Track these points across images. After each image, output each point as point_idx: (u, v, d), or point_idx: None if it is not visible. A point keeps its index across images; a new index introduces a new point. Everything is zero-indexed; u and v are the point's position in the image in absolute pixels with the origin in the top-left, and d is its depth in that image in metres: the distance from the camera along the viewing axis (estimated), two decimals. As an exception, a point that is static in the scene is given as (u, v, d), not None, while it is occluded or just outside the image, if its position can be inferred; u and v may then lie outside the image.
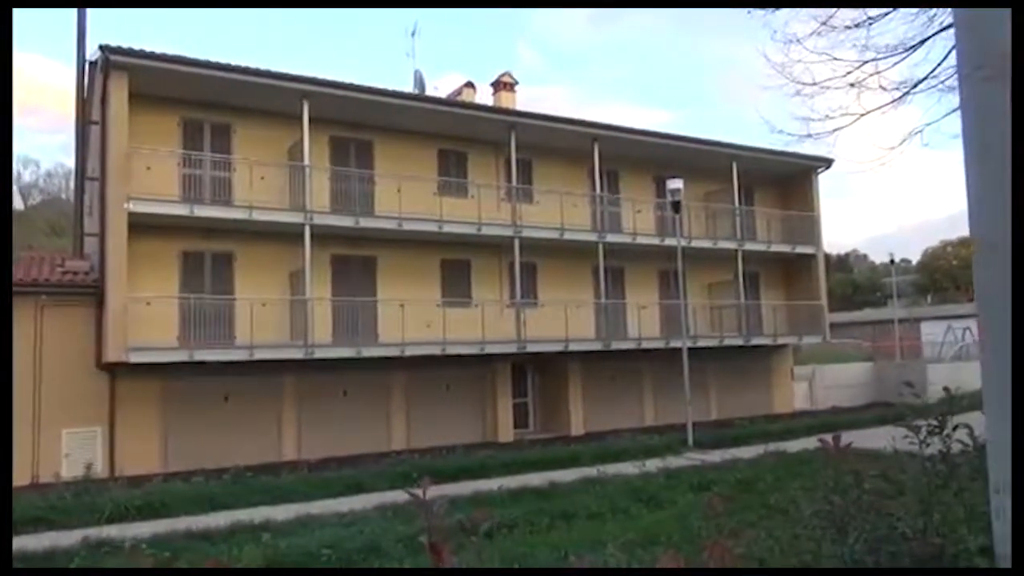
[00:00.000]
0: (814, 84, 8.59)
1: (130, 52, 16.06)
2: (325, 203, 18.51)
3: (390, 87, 19.57)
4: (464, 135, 21.37)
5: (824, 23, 8.01)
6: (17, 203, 50.92)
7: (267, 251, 18.16)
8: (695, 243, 23.01)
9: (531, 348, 20.29)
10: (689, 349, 20.10)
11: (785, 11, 8.22)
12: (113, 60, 16.01)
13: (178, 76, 16.74)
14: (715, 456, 16.23)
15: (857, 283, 64.83)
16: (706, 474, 13.70)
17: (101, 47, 15.94)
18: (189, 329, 16.66)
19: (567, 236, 21.14)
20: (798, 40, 8.36)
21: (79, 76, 18.77)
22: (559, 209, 21.16)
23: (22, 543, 9.72)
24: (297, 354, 17.13)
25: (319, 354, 17.27)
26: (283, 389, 18.39)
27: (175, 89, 17.25)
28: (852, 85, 8.43)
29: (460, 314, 19.84)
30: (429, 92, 23.46)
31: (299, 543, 9.36)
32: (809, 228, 26.17)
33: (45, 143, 75.97)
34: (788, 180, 27.13)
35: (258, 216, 17.06)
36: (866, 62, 8.25)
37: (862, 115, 8.63)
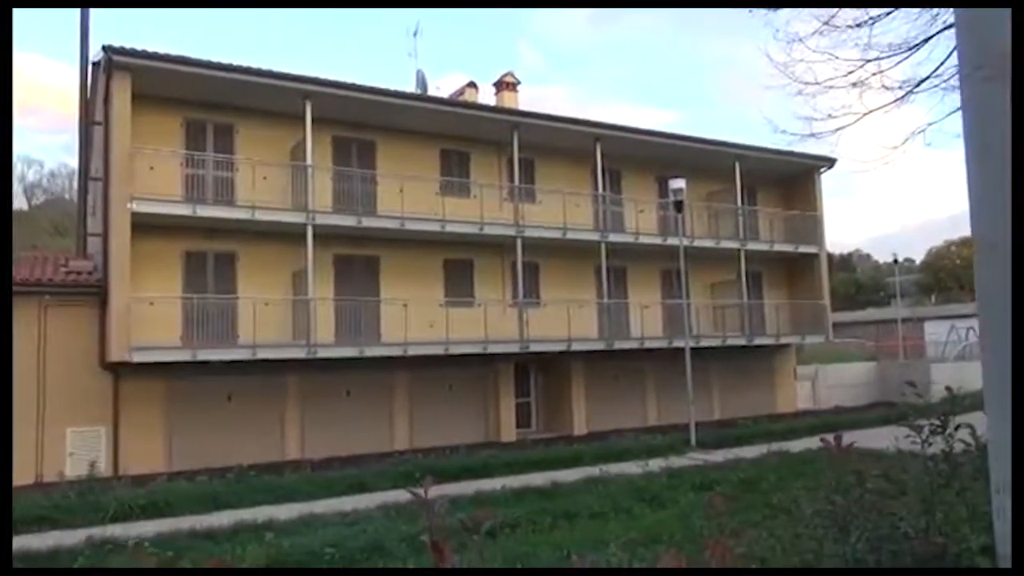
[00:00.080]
0: (816, 83, 8.59)
1: (133, 52, 16.09)
2: (328, 203, 18.54)
3: (392, 87, 19.61)
4: (466, 135, 21.38)
5: (826, 22, 8.01)
6: (21, 203, 51.07)
7: (270, 251, 18.19)
8: (698, 243, 22.99)
9: (534, 348, 20.29)
10: (692, 349, 20.09)
11: (787, 10, 8.22)
12: (116, 60, 16.05)
13: (181, 76, 16.77)
14: (718, 456, 16.23)
15: (860, 283, 64.70)
16: (709, 474, 13.70)
17: (104, 47, 15.97)
18: (192, 329, 16.69)
19: (570, 236, 21.15)
20: (800, 39, 8.36)
21: (82, 76, 18.82)
22: (562, 209, 21.16)
23: (27, 542, 9.75)
24: (300, 354, 17.15)
25: (322, 354, 17.29)
26: (286, 389, 18.42)
27: (178, 89, 17.29)
28: (855, 84, 8.43)
29: (463, 314, 19.86)
30: (431, 92, 23.49)
31: (302, 542, 9.38)
32: (812, 227, 26.14)
33: (48, 143, 76.19)
34: (791, 180, 27.10)
35: (261, 216, 17.08)
36: (869, 61, 8.24)
37: (865, 114, 8.62)
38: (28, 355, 15.48)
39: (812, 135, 9.09)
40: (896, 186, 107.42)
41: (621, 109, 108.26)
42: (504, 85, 24.69)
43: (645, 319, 22.92)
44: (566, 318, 20.78)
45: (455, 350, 19.18)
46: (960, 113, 1.70)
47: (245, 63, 17.32)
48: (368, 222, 18.50)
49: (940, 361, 29.90)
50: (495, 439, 20.53)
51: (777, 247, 25.29)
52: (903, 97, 8.42)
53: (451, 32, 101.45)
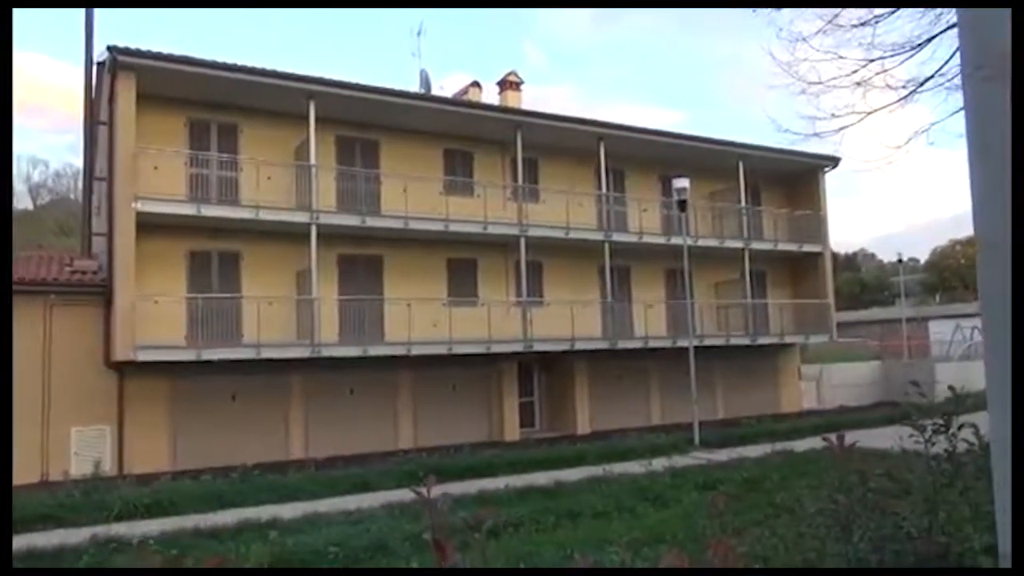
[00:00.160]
0: (820, 83, 8.58)
1: (137, 53, 16.13)
2: (331, 203, 18.57)
3: (396, 87, 19.63)
4: (470, 134, 21.40)
5: (830, 21, 8.00)
6: (26, 203, 51.22)
7: (274, 250, 18.22)
8: (701, 242, 22.97)
9: (537, 347, 20.30)
10: (696, 348, 20.08)
11: (790, 9, 8.21)
12: (120, 61, 16.09)
13: (185, 76, 16.81)
14: (721, 455, 16.22)
15: (865, 282, 64.54)
16: (712, 473, 13.70)
17: (108, 48, 16.01)
18: (196, 328, 16.73)
19: (573, 235, 21.14)
20: (804, 38, 8.35)
21: (87, 76, 18.89)
22: (565, 208, 21.16)
23: (32, 540, 9.80)
24: (304, 353, 17.19)
25: (326, 353, 17.32)
26: (290, 388, 18.46)
27: (182, 89, 17.33)
28: (858, 84, 8.41)
29: (466, 313, 19.87)
30: (435, 92, 23.50)
31: (306, 541, 9.40)
32: (816, 227, 26.09)
33: (53, 143, 76.33)
34: (795, 179, 27.06)
35: (265, 216, 17.12)
36: (872, 60, 8.23)
37: (868, 114, 8.61)
38: (33, 354, 15.54)
39: (816, 134, 9.10)
40: (901, 185, 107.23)
41: (624, 109, 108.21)
42: (508, 84, 24.70)
43: (649, 319, 22.91)
44: (570, 317, 20.78)
45: (459, 349, 19.20)
46: (963, 113, 1.70)
47: (249, 63, 17.36)
48: (372, 222, 18.53)
49: (945, 361, 29.82)
50: (499, 438, 20.55)
51: (781, 246, 25.26)
52: (907, 96, 8.41)
53: (455, 32, 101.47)
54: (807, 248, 25.65)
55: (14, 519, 10.48)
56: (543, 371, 22.92)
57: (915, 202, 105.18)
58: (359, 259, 19.58)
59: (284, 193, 18.03)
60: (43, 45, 75.55)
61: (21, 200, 50.98)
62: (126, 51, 16.03)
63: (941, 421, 2.80)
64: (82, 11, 19.24)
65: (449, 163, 21.36)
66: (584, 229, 21.52)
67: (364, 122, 19.76)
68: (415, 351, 18.58)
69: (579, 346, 20.88)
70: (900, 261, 41.11)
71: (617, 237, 21.91)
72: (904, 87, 8.43)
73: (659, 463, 14.59)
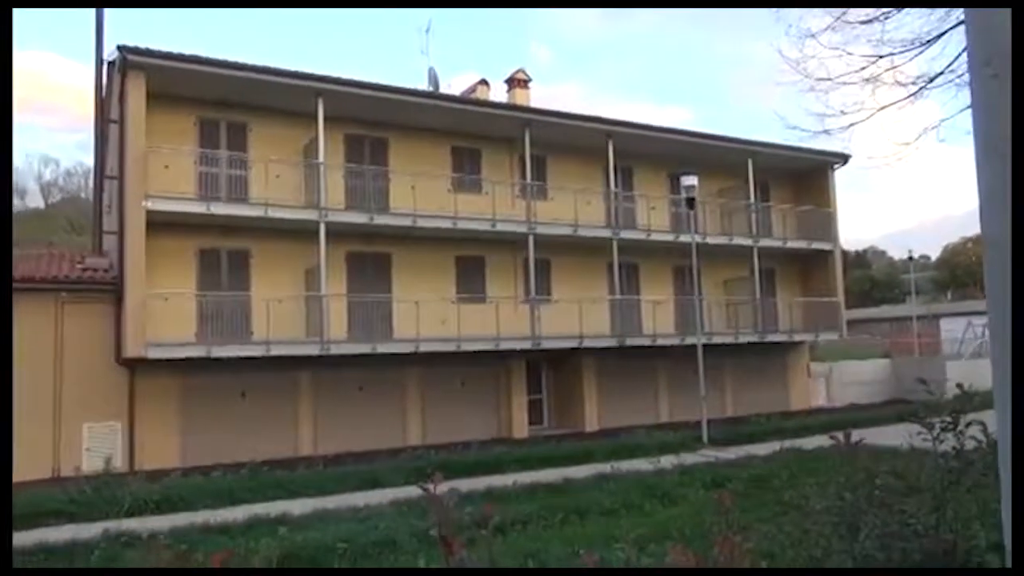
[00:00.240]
0: (829, 79, 8.55)
1: (147, 52, 16.21)
2: (340, 200, 18.62)
3: (404, 85, 19.65)
4: (478, 132, 21.40)
5: (839, 18, 7.96)
6: (38, 201, 51.60)
7: (283, 248, 18.30)
8: (710, 239, 22.90)
9: (545, 344, 20.29)
10: (704, 346, 20.03)
11: (799, 7, 8.17)
12: (130, 60, 16.18)
13: (195, 75, 16.89)
14: (730, 453, 16.18)
15: (875, 279, 64.19)
16: (720, 471, 13.66)
17: (119, 47, 16.09)
18: (206, 325, 16.84)
19: (581, 232, 21.13)
20: (812, 35, 8.32)
21: (97, 75, 19.01)
22: (573, 206, 21.15)
23: (44, 535, 9.89)
24: (313, 350, 17.26)
25: (334, 350, 17.39)
26: (299, 385, 18.54)
27: (192, 88, 17.41)
28: (867, 80, 8.38)
29: (474, 310, 19.90)
30: (443, 90, 23.50)
31: (315, 537, 9.44)
32: (825, 224, 25.97)
33: (64, 142, 76.87)
34: (804, 176, 26.93)
35: (274, 213, 17.19)
36: (881, 57, 8.19)
37: (878, 110, 8.57)
38: (45, 351, 15.67)
39: (825, 131, 9.06)
40: (912, 182, 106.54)
41: (633, 106, 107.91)
42: (516, 82, 24.68)
43: (657, 316, 22.87)
44: (578, 315, 20.78)
45: (467, 347, 19.22)
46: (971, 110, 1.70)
47: (258, 62, 17.41)
48: (380, 219, 18.57)
49: (956, 358, 29.62)
50: (507, 435, 20.58)
51: (790, 244, 25.15)
52: (917, 93, 8.37)
53: (463, 30, 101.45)
54: (816, 245, 25.53)
55: (27, 514, 10.60)
56: (551, 368, 22.92)
57: (926, 199, 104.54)
58: (368, 256, 19.63)
59: (293, 191, 18.10)
60: (54, 44, 76.06)
61: (33, 198, 51.40)
62: (136, 50, 16.12)
63: (949, 419, 2.79)
64: (92, 11, 19.38)
65: (457, 161, 21.37)
66: (592, 226, 21.50)
67: (373, 120, 19.80)
68: (423, 348, 18.63)
69: (587, 343, 20.88)
70: (911, 258, 40.90)
71: (625, 234, 21.87)
72: (914, 83, 8.39)
73: (667, 460, 14.56)
